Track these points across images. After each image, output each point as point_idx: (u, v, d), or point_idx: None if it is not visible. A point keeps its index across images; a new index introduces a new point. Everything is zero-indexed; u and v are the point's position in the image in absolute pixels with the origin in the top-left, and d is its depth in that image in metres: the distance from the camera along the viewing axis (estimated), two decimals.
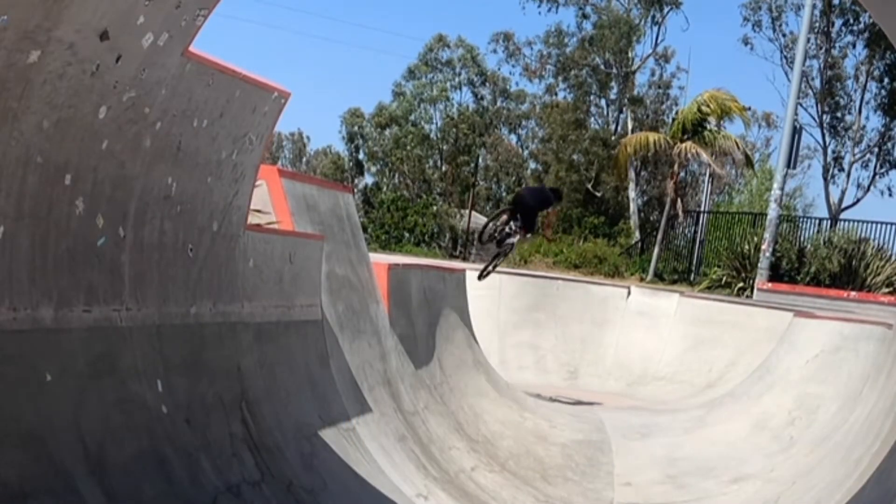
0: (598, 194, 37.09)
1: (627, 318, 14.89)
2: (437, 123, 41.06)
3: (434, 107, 40.92)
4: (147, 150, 4.13)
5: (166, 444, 4.11)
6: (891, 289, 19.18)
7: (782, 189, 21.88)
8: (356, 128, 43.07)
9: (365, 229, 25.45)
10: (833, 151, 32.78)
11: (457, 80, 41.16)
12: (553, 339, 14.64)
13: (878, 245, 20.68)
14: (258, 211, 6.16)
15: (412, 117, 40.15)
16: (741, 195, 38.04)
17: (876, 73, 31.13)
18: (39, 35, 3.25)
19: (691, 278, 24.39)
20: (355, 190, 39.02)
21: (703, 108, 24.57)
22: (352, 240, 7.67)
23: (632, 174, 32.25)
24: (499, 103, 42.18)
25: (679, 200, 25.67)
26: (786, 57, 32.73)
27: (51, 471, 3.42)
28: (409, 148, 38.82)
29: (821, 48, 31.23)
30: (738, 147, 25.75)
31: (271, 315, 5.55)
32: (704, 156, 24.55)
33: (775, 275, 20.20)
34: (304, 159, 55.00)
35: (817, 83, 32.11)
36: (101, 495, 3.55)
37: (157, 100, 4.07)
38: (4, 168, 3.34)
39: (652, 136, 26.02)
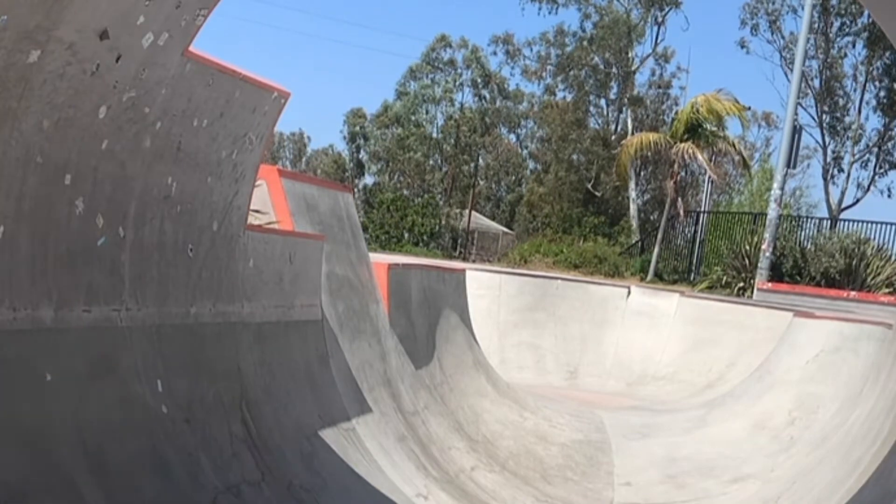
0: (598, 194, 37.12)
1: (627, 318, 14.88)
2: (438, 124, 41.08)
3: (437, 107, 40.96)
4: (147, 150, 4.13)
5: (166, 444, 4.11)
6: (891, 289, 19.19)
7: (782, 189, 21.90)
8: (358, 128, 43.09)
9: (365, 229, 25.45)
10: (833, 151, 32.80)
11: (459, 80, 41.20)
12: (553, 339, 14.63)
13: (879, 245, 20.69)
14: (258, 211, 6.16)
15: (414, 118, 40.20)
16: (741, 195, 38.08)
17: (875, 73, 31.14)
18: (39, 35, 3.25)
19: (691, 278, 24.40)
20: (356, 190, 39.03)
21: (700, 110, 24.61)
22: (352, 240, 7.67)
23: (632, 174, 32.27)
24: (498, 103, 42.23)
25: (679, 200, 25.68)
26: (785, 58, 32.76)
27: (51, 471, 3.42)
28: (412, 151, 38.84)
29: (819, 48, 31.24)
30: (735, 148, 25.78)
31: (271, 315, 5.55)
32: (701, 158, 24.57)
33: (776, 274, 20.20)
34: (305, 159, 55.04)
35: (817, 83, 32.11)
36: (101, 495, 3.55)
37: (157, 100, 4.07)
38: (4, 168, 3.34)
39: (653, 137, 26.05)
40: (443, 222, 36.20)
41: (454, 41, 40.62)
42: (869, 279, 19.53)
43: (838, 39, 31.52)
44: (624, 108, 38.15)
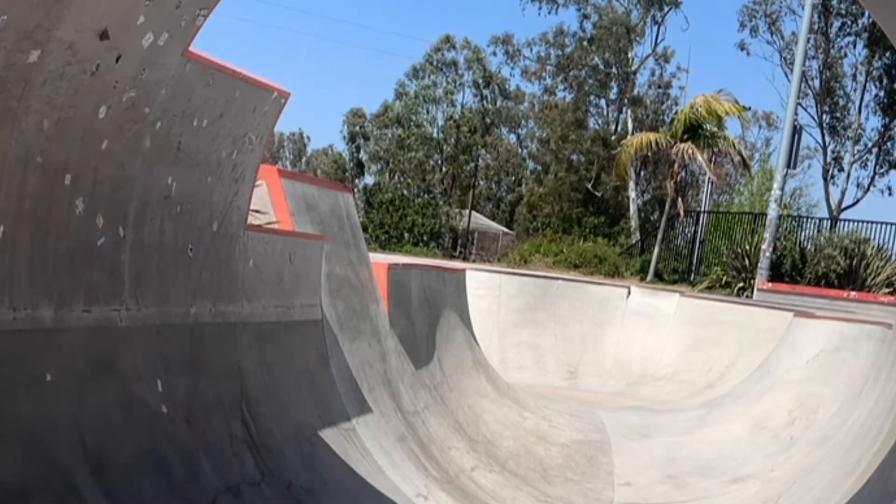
0: (598, 194, 37.11)
1: (627, 318, 14.88)
2: (439, 125, 41.04)
3: (437, 107, 40.92)
4: (147, 150, 4.13)
5: (166, 444, 4.11)
6: (891, 289, 19.19)
7: (782, 189, 21.91)
8: (357, 128, 43.07)
9: (365, 229, 25.45)
10: (833, 151, 32.80)
11: (460, 81, 41.15)
12: (553, 339, 14.63)
13: (879, 245, 20.69)
14: (258, 211, 6.16)
15: (415, 118, 40.15)
16: (741, 195, 38.08)
17: (875, 73, 31.14)
18: (39, 35, 3.25)
19: (691, 278, 24.40)
20: (356, 190, 39.03)
21: (699, 111, 24.60)
22: (352, 240, 7.67)
23: (632, 174, 32.27)
24: (498, 103, 42.21)
25: (679, 200, 25.68)
26: (785, 58, 32.75)
27: (51, 471, 3.42)
28: (413, 152, 38.78)
29: (819, 48, 31.23)
30: (735, 149, 25.78)
31: (271, 315, 5.55)
32: (700, 158, 24.58)
33: (776, 275, 20.21)
34: (304, 159, 55.05)
35: (817, 83, 32.11)
36: (101, 495, 3.55)
37: (157, 100, 4.07)
38: (4, 168, 3.34)
39: (653, 137, 26.05)
40: (443, 222, 36.18)
41: (458, 42, 40.62)
42: (869, 279, 19.53)
43: (838, 39, 31.53)
44: (624, 109, 38.15)
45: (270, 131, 5.45)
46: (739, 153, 26.64)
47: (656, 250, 25.90)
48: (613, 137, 36.35)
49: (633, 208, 34.35)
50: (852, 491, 5.42)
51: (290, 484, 4.85)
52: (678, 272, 25.43)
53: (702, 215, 27.51)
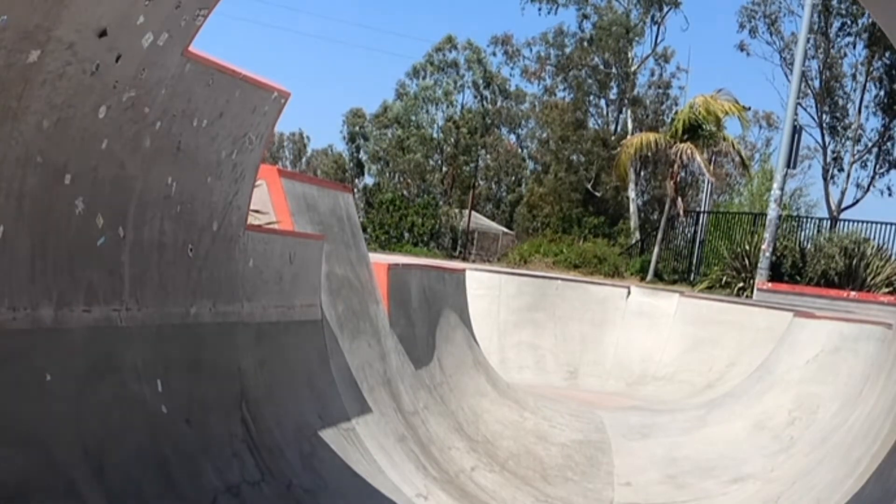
0: (598, 194, 37.13)
1: (627, 318, 14.89)
2: (439, 125, 41.03)
3: (437, 108, 40.91)
4: (147, 150, 4.13)
5: (166, 444, 4.11)
6: (891, 289, 19.20)
7: (782, 189, 21.92)
8: (357, 128, 43.06)
9: (365, 229, 25.45)
10: (833, 151, 32.79)
11: (461, 82, 41.14)
12: (553, 339, 14.64)
13: (878, 245, 20.70)
14: (258, 211, 6.16)
15: (415, 119, 40.14)
16: (741, 195, 38.07)
17: (875, 73, 31.13)
18: (39, 35, 3.25)
19: (691, 278, 24.41)
20: (355, 190, 39.01)
21: (699, 111, 24.60)
22: (352, 240, 7.67)
23: (632, 174, 32.26)
24: (499, 103, 42.21)
25: (679, 200, 25.67)
26: (784, 58, 32.74)
27: (51, 471, 3.42)
28: (412, 152, 38.75)
29: (819, 48, 31.22)
30: (734, 149, 25.79)
31: (271, 315, 5.55)
32: (699, 159, 24.59)
33: (775, 275, 20.22)
34: (304, 159, 55.05)
35: (816, 83, 32.10)
36: (101, 495, 3.55)
37: (156, 100, 4.06)
38: (4, 168, 3.34)
39: (652, 137, 26.05)
40: (443, 222, 36.17)
41: (460, 43, 40.61)
42: (869, 279, 19.54)
43: (838, 39, 31.52)
44: (624, 109, 38.16)
45: (270, 131, 5.46)
46: (739, 153, 26.65)
47: (656, 250, 25.90)
48: (613, 137, 36.36)
49: (632, 208, 34.35)
50: (852, 491, 5.42)
51: (290, 484, 4.85)
52: (678, 272, 25.44)
53: (702, 215, 27.51)
